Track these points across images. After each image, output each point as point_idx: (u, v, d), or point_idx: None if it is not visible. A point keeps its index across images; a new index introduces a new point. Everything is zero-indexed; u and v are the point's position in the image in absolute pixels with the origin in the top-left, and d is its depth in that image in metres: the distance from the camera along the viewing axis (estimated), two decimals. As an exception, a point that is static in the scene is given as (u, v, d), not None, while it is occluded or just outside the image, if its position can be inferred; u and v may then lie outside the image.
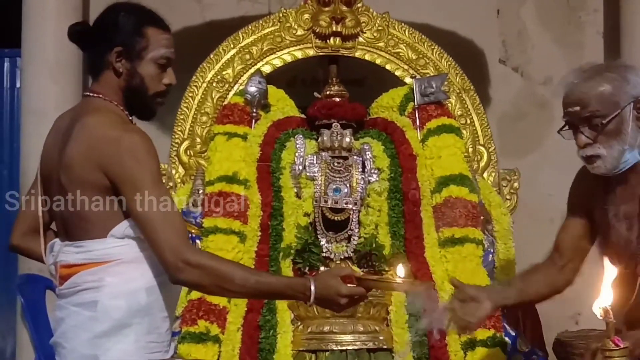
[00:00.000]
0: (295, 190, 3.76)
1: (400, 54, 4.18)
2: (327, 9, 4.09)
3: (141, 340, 2.11)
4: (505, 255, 3.81)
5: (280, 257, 3.65)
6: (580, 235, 2.52)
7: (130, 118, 2.20)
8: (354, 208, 3.75)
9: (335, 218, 3.76)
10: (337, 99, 4.01)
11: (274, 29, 4.15)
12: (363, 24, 4.14)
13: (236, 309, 3.48)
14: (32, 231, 2.29)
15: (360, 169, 3.81)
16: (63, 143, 2.12)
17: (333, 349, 3.49)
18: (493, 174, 4.10)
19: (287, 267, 3.65)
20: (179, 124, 4.05)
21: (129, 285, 2.10)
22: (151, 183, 2.05)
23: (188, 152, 3.99)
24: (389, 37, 4.18)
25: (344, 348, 3.49)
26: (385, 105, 4.09)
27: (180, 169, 3.98)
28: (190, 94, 4.06)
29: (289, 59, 4.16)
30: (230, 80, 4.08)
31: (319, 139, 3.86)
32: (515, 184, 4.10)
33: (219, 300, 3.46)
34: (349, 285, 2.19)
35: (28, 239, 2.31)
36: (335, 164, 3.80)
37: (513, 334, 3.54)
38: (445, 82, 4.06)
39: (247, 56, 4.10)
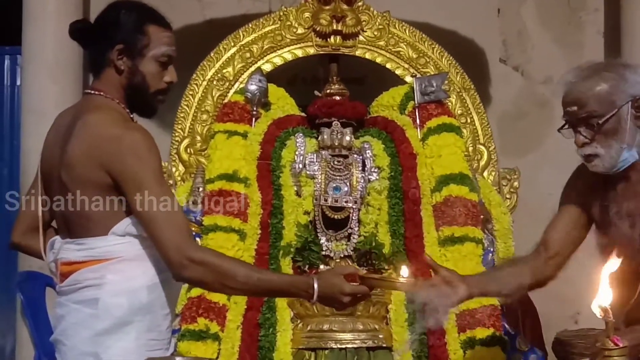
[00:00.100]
0: (295, 189, 3.76)
1: (401, 52, 4.18)
2: (327, 7, 4.09)
3: (142, 338, 2.11)
4: (505, 254, 3.81)
5: (280, 255, 3.65)
6: (569, 231, 2.50)
7: (132, 116, 2.20)
8: (354, 207, 3.75)
9: (335, 216, 3.76)
10: (338, 98, 4.01)
11: (274, 27, 4.15)
12: (364, 23, 4.14)
13: (236, 306, 3.48)
14: (33, 229, 2.29)
15: (361, 168, 3.82)
16: (64, 141, 2.12)
17: (332, 347, 3.50)
18: (493, 173, 4.10)
19: (286, 265, 3.65)
20: (179, 122, 4.05)
21: (130, 283, 2.10)
22: (153, 181, 2.05)
23: (188, 150, 3.99)
24: (390, 35, 4.18)
25: (343, 346, 3.50)
26: (385, 104, 4.09)
27: (181, 167, 3.98)
28: (191, 92, 4.06)
29: (289, 57, 4.16)
30: (231, 78, 4.08)
31: (319, 138, 3.86)
32: (515, 183, 4.10)
33: (219, 298, 3.46)
34: (352, 283, 2.19)
35: (28, 236, 2.31)
36: (336, 163, 3.80)
37: (512, 333, 3.54)
38: (446, 81, 4.06)
39: (248, 54, 4.10)
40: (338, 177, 3.78)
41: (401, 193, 3.76)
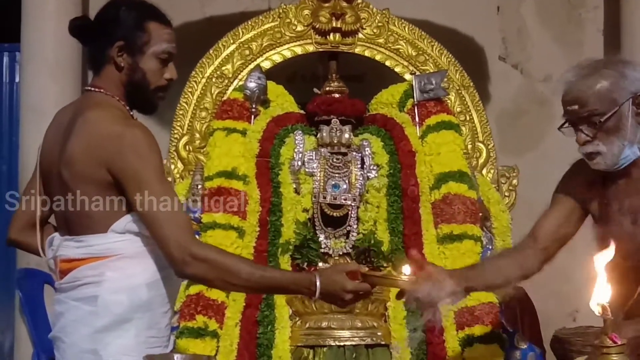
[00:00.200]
0: (294, 186, 3.76)
1: (400, 50, 4.18)
2: (327, 5, 4.09)
3: (141, 335, 2.11)
4: (503, 252, 3.81)
5: (278, 252, 3.65)
6: (560, 225, 2.50)
7: (132, 113, 2.20)
8: (353, 204, 3.75)
9: (334, 214, 3.75)
10: (337, 95, 4.01)
11: (273, 24, 4.14)
12: (363, 20, 4.14)
13: (234, 304, 3.49)
14: (31, 225, 2.28)
15: (359, 165, 3.81)
16: (64, 138, 2.12)
17: (331, 344, 3.50)
18: (492, 171, 4.10)
19: (285, 263, 3.65)
20: (178, 119, 4.04)
21: (130, 281, 2.10)
22: (155, 179, 2.05)
23: (187, 147, 3.99)
24: (389, 33, 4.18)
25: (342, 344, 3.50)
26: (384, 102, 4.09)
27: (179, 164, 3.98)
28: (190, 90, 4.05)
29: (288, 54, 4.16)
30: (230, 75, 4.08)
31: (318, 135, 3.86)
32: (514, 181, 4.10)
33: (217, 295, 3.46)
34: (354, 281, 2.19)
35: (26, 233, 2.30)
36: (334, 160, 3.80)
37: (511, 330, 3.54)
38: (445, 79, 4.06)
39: (247, 52, 4.10)
40: (337, 175, 3.78)
41: (400, 190, 3.76)
